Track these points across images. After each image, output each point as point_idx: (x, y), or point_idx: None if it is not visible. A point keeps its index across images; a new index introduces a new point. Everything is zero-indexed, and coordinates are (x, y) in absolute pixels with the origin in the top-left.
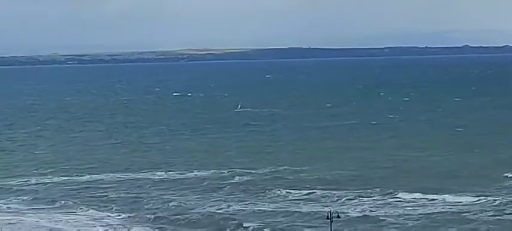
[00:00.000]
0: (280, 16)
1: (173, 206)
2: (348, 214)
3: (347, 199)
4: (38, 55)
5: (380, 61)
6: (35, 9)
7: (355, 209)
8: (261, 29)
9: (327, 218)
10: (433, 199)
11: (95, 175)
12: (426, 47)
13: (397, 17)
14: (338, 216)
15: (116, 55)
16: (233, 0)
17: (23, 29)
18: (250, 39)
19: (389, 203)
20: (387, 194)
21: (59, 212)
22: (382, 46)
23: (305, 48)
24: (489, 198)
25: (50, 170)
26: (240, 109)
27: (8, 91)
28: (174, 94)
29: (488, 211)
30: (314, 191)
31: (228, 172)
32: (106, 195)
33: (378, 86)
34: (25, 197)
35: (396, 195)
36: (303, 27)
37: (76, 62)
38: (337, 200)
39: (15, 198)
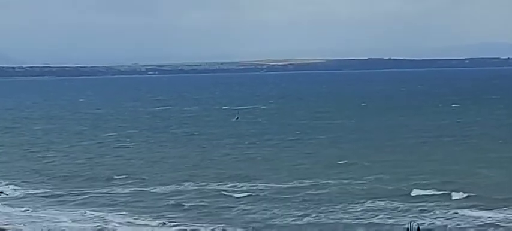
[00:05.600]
0: (360, 27)
1: (254, 217)
2: (427, 227)
3: (425, 211)
4: (119, 66)
5: (465, 73)
6: (115, 21)
7: (434, 220)
8: (341, 40)
9: (408, 230)
10: None
11: (166, 186)
12: (508, 58)
13: (479, 28)
14: (418, 229)
15: (196, 65)
16: (313, 11)
17: (104, 40)
18: (330, 50)
19: (468, 216)
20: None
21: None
22: (463, 58)
23: (385, 59)
24: None
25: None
26: (238, 120)
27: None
28: (224, 107)
29: None
30: (393, 202)
31: (298, 184)
32: (182, 205)
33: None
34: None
35: (475, 209)
36: (383, 37)
37: (156, 73)
38: (417, 211)
39: (95, 207)
